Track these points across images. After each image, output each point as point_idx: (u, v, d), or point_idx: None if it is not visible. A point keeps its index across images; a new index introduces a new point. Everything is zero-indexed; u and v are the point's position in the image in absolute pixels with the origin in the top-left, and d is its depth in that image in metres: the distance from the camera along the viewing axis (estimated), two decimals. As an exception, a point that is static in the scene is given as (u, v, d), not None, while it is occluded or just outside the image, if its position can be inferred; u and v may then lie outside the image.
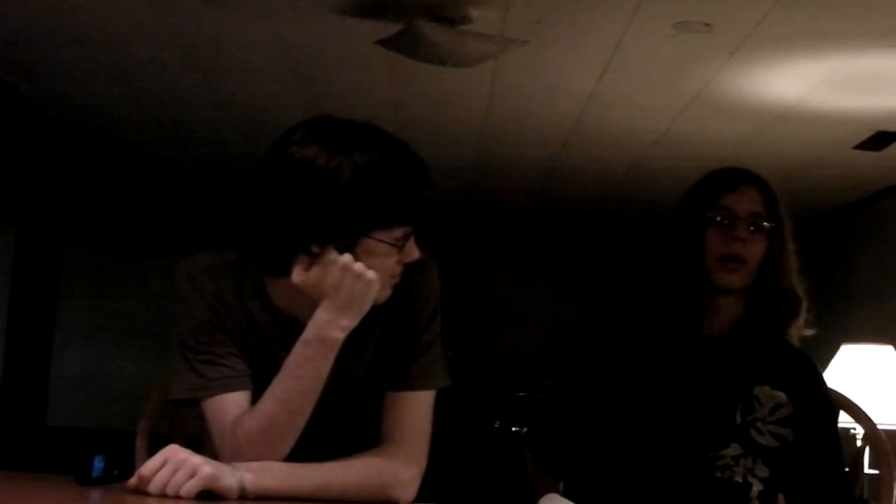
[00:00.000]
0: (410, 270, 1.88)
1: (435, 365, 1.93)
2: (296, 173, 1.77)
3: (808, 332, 2.38)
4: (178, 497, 1.63)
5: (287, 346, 1.82)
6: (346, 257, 1.77)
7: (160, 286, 7.98)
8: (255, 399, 1.84)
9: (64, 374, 7.89)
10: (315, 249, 1.77)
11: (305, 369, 1.79)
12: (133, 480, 1.67)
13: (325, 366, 1.79)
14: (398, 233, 1.80)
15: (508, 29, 4.19)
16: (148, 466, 1.67)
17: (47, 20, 4.45)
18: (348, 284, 1.77)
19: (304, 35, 4.49)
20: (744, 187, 2.34)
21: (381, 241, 1.79)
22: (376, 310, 1.84)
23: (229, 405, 1.83)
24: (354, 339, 1.83)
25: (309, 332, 1.79)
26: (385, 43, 4.15)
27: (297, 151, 1.78)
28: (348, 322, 1.79)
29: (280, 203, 1.78)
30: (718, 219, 2.30)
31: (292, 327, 1.84)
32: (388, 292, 1.85)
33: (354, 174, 1.75)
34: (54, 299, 7.52)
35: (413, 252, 1.84)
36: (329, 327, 1.78)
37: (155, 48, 4.73)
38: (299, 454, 1.80)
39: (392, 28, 4.10)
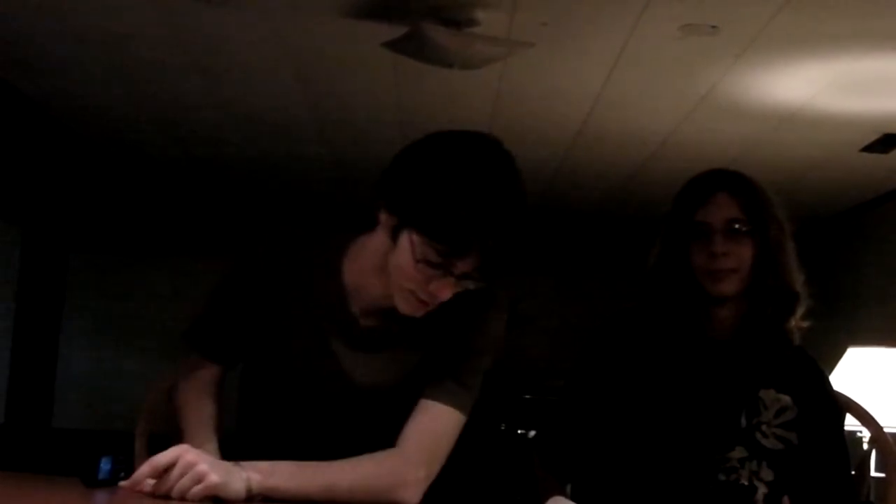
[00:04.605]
0: (478, 299, 1.91)
1: (472, 391, 1.95)
2: (426, 155, 1.84)
3: (805, 324, 2.35)
4: (182, 500, 1.63)
5: (341, 323, 1.91)
6: None
7: (163, 286, 8.02)
8: (259, 373, 1.99)
9: (67, 376, 7.88)
10: (383, 214, 1.83)
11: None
12: (139, 472, 1.68)
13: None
14: (431, 252, 1.77)
15: (514, 31, 4.19)
16: (158, 460, 1.67)
17: (48, 20, 4.45)
18: None
19: (307, 36, 4.49)
20: (716, 196, 2.30)
21: (412, 243, 1.78)
22: (436, 323, 1.88)
23: (200, 369, 2.01)
24: (406, 342, 1.89)
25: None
26: (391, 45, 4.15)
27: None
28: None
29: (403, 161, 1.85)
30: (697, 235, 2.29)
31: (349, 302, 1.92)
32: (411, 308, 1.85)
33: (441, 171, 1.79)
34: (61, 301, 7.52)
35: (442, 292, 1.81)
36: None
37: (157, 49, 4.74)
38: (326, 451, 1.81)
39: (397, 30, 4.09)
